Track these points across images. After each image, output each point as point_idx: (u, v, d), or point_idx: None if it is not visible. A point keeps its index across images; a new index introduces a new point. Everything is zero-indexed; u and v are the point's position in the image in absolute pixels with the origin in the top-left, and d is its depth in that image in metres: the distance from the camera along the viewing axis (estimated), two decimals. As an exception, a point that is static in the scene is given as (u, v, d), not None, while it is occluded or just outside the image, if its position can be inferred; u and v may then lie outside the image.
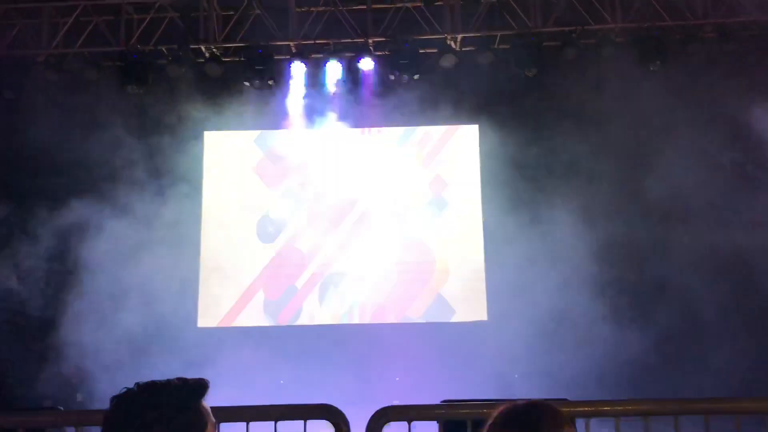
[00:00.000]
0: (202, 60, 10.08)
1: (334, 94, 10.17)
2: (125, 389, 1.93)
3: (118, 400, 1.92)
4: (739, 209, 9.41)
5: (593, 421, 3.55)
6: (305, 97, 10.21)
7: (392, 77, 10.02)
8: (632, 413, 3.56)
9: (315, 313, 10.24)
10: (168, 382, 1.95)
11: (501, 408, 2.16)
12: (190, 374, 2.00)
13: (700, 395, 4.10)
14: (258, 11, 10.04)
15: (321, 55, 10.07)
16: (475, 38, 10.02)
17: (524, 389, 8.66)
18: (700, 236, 9.38)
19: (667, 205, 9.56)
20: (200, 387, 1.97)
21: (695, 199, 9.27)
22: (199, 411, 1.95)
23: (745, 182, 9.67)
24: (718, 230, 9.36)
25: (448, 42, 9.99)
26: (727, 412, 3.55)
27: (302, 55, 10.00)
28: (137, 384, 1.94)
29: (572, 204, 9.51)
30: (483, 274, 10.15)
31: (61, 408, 4.97)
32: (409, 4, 10.04)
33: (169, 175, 10.22)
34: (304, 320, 10.21)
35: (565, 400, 3.76)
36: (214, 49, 10.07)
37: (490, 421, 2.15)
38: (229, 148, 10.71)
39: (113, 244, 9.62)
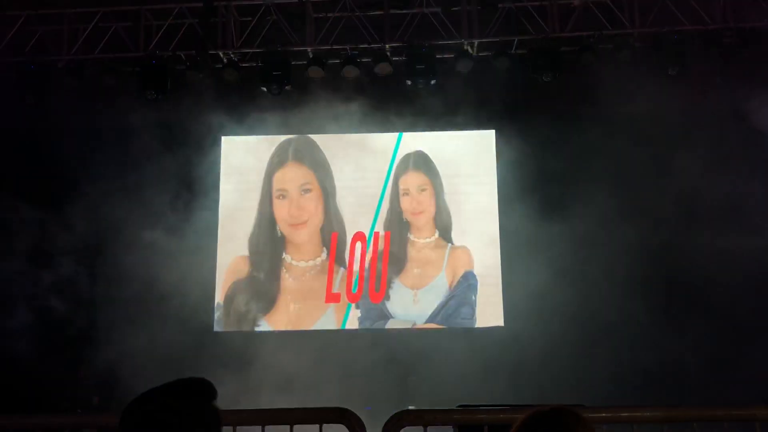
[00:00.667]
0: (220, 66, 10.14)
1: (349, 99, 10.18)
2: (133, 400, 1.90)
3: (126, 413, 1.87)
4: (765, 211, 9.31)
5: (609, 427, 3.52)
6: (322, 102, 10.22)
7: (409, 82, 10.02)
8: (650, 420, 3.53)
9: (332, 317, 10.23)
10: (170, 391, 1.89)
11: (527, 413, 2.16)
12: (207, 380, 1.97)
13: (723, 402, 4.07)
14: (275, 17, 10.09)
15: (338, 61, 10.09)
16: (492, 43, 10.01)
17: (541, 394, 8.62)
18: (727, 239, 9.27)
19: (689, 210, 9.48)
20: (204, 392, 1.92)
21: (718, 204, 9.19)
22: (207, 418, 1.91)
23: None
24: (745, 233, 9.25)
25: (465, 47, 9.99)
26: (746, 420, 3.51)
27: (319, 60, 10.03)
28: (144, 394, 1.89)
29: (588, 209, 9.46)
30: (500, 280, 10.11)
31: (79, 411, 5.02)
32: (426, 10, 10.05)
33: (187, 179, 10.28)
34: (321, 325, 10.21)
35: (582, 405, 3.74)
36: (231, 55, 10.13)
37: (516, 425, 2.15)
38: (247, 153, 10.74)
39: (130, 249, 9.69)
